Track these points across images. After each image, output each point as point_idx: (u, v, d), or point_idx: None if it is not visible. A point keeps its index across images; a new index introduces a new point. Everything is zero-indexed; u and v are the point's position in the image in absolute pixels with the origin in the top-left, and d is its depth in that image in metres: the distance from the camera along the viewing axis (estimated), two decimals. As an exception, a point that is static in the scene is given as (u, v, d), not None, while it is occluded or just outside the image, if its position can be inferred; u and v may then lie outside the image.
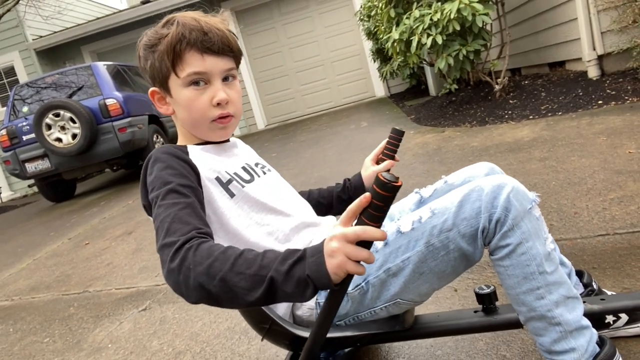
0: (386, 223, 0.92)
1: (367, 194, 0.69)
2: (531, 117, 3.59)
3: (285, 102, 9.30)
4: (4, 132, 5.92)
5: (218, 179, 0.99)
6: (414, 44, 4.14)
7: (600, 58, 3.93)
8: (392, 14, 4.71)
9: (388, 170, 1.22)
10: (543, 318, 0.86)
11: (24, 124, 5.87)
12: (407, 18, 4.29)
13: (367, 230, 0.69)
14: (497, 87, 4.48)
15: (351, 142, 4.74)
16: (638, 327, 1.08)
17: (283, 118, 9.29)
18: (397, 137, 1.22)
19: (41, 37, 8.93)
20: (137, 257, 2.83)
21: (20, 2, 7.87)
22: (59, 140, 5.64)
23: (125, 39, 9.03)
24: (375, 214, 0.69)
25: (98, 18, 9.14)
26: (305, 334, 0.98)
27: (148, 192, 0.92)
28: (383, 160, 1.24)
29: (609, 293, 1.18)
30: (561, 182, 2.16)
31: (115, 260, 2.90)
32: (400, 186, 0.67)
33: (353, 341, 1.03)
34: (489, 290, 1.00)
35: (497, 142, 3.18)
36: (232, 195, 0.99)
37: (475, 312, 1.03)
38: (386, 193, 0.67)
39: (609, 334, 1.09)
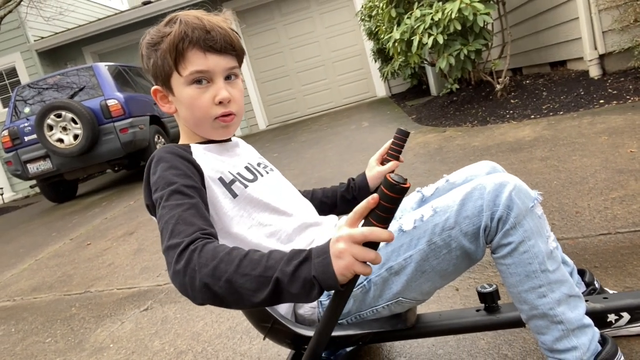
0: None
1: (375, 196, 0.68)
2: (532, 116, 3.59)
3: (287, 103, 9.30)
4: (5, 133, 5.93)
5: (221, 179, 0.99)
6: (415, 43, 4.14)
7: (601, 57, 3.93)
8: (393, 13, 4.71)
9: (392, 171, 1.22)
10: (545, 316, 0.86)
11: (26, 124, 5.88)
12: (408, 18, 4.29)
13: (374, 231, 0.69)
14: (498, 87, 4.48)
15: (352, 143, 4.74)
16: (640, 326, 1.08)
17: (284, 118, 9.30)
18: (402, 138, 1.22)
19: (43, 38, 8.94)
20: (139, 258, 2.83)
21: (22, 3, 7.89)
22: (61, 140, 5.65)
23: (127, 39, 9.04)
24: (382, 215, 0.69)
25: (99, 19, 9.16)
26: (307, 332, 0.98)
27: (151, 192, 0.92)
28: (388, 161, 1.24)
29: (611, 292, 1.18)
30: (563, 182, 2.15)
31: (117, 261, 2.90)
32: (408, 188, 0.67)
33: (355, 340, 1.03)
34: (491, 288, 1.00)
35: (499, 141, 3.17)
36: (234, 195, 0.99)
37: (478, 310, 1.03)
38: (394, 194, 0.67)
39: (610, 332, 1.09)
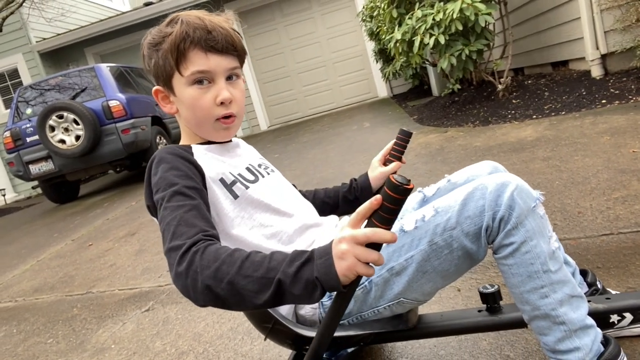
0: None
1: (378, 197, 0.68)
2: (534, 116, 3.58)
3: (288, 103, 9.30)
4: (7, 134, 5.94)
5: (222, 180, 0.99)
6: (417, 44, 4.13)
7: (603, 57, 3.92)
8: (395, 14, 4.71)
9: (395, 172, 1.22)
10: (547, 317, 0.85)
11: (28, 125, 5.90)
12: (409, 18, 4.28)
13: (377, 232, 0.68)
14: (500, 87, 4.47)
15: (353, 143, 4.73)
16: (643, 326, 1.08)
17: (285, 119, 9.30)
18: (404, 138, 1.21)
19: (45, 39, 8.96)
20: (140, 258, 2.84)
21: (24, 4, 7.91)
22: (63, 141, 5.66)
23: (128, 40, 9.06)
24: (385, 216, 0.68)
25: (101, 20, 9.18)
26: (308, 333, 0.97)
27: (152, 193, 0.92)
28: (390, 162, 1.24)
29: (614, 292, 1.17)
30: (565, 182, 2.15)
31: (119, 261, 2.90)
32: (412, 189, 0.67)
33: (356, 340, 1.02)
34: (493, 289, 1.00)
35: (500, 141, 3.17)
36: (235, 196, 0.99)
37: (480, 311, 1.03)
38: (398, 196, 0.66)
39: (613, 333, 1.08)
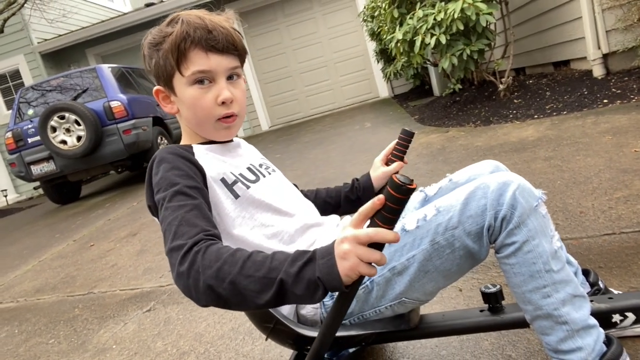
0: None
1: (381, 196, 0.68)
2: (536, 116, 3.58)
3: (289, 103, 9.30)
4: (9, 134, 5.95)
5: (223, 180, 0.99)
6: (418, 44, 4.13)
7: (605, 57, 3.91)
8: (396, 14, 4.70)
9: (397, 172, 1.22)
10: (549, 317, 0.85)
11: (30, 126, 5.91)
12: (410, 18, 4.28)
13: (380, 232, 0.68)
14: (501, 87, 4.47)
15: (355, 143, 4.73)
16: (645, 326, 1.07)
17: (287, 119, 9.30)
18: (406, 138, 1.21)
19: (46, 40, 8.98)
20: (142, 259, 2.84)
21: (26, 5, 7.92)
22: (64, 142, 5.66)
23: (130, 41, 9.06)
24: (388, 216, 0.68)
25: (102, 21, 9.19)
26: (310, 333, 0.97)
27: (154, 193, 0.92)
28: (392, 161, 1.23)
29: (616, 292, 1.17)
30: (566, 182, 2.14)
31: (120, 262, 2.90)
32: (415, 188, 0.67)
33: (358, 340, 1.02)
34: (495, 289, 1.00)
35: (502, 141, 3.16)
36: (236, 196, 0.99)
37: (481, 311, 1.02)
38: (400, 195, 0.66)
39: (615, 333, 1.08)
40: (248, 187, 1.01)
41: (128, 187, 6.27)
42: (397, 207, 0.67)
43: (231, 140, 1.13)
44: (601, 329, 0.87)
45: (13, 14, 7.69)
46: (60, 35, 8.99)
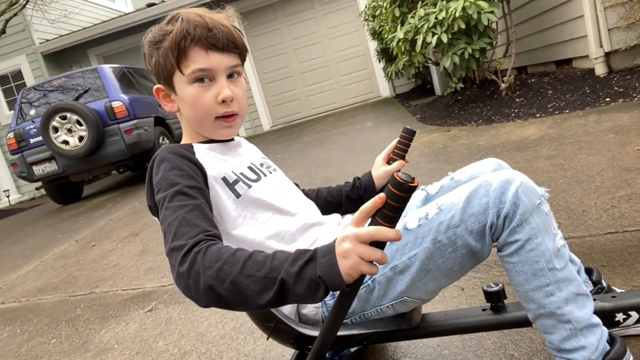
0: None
1: (382, 195, 0.67)
2: (538, 115, 3.57)
3: (291, 103, 9.30)
4: (11, 135, 5.97)
5: (225, 180, 0.98)
6: (419, 43, 4.12)
7: (607, 55, 3.90)
8: (397, 13, 4.69)
9: (399, 170, 1.21)
10: (552, 315, 0.85)
11: (31, 126, 5.92)
12: (411, 17, 4.27)
13: (381, 231, 0.68)
14: (503, 86, 4.46)
15: (356, 143, 4.73)
16: (649, 325, 1.07)
17: (288, 119, 9.30)
18: (408, 137, 1.20)
19: (48, 40, 8.99)
20: (143, 259, 2.84)
21: (27, 6, 7.93)
22: (66, 142, 5.67)
23: (131, 41, 9.07)
24: (389, 215, 0.68)
25: (104, 21, 9.20)
26: (311, 332, 0.97)
27: (154, 193, 0.92)
28: (394, 160, 1.23)
29: (619, 291, 1.16)
30: (569, 180, 2.14)
31: (122, 262, 2.91)
32: (416, 186, 0.66)
33: (359, 340, 1.02)
34: (497, 287, 0.99)
35: (504, 140, 3.16)
36: (238, 196, 0.98)
37: (484, 310, 1.02)
38: (402, 193, 0.66)
39: (619, 332, 1.07)
40: (249, 186, 1.01)
41: (130, 187, 6.28)
42: (399, 205, 0.67)
43: (232, 140, 1.12)
44: (604, 328, 0.86)
45: (15, 15, 7.71)
46: (61, 36, 9.00)
